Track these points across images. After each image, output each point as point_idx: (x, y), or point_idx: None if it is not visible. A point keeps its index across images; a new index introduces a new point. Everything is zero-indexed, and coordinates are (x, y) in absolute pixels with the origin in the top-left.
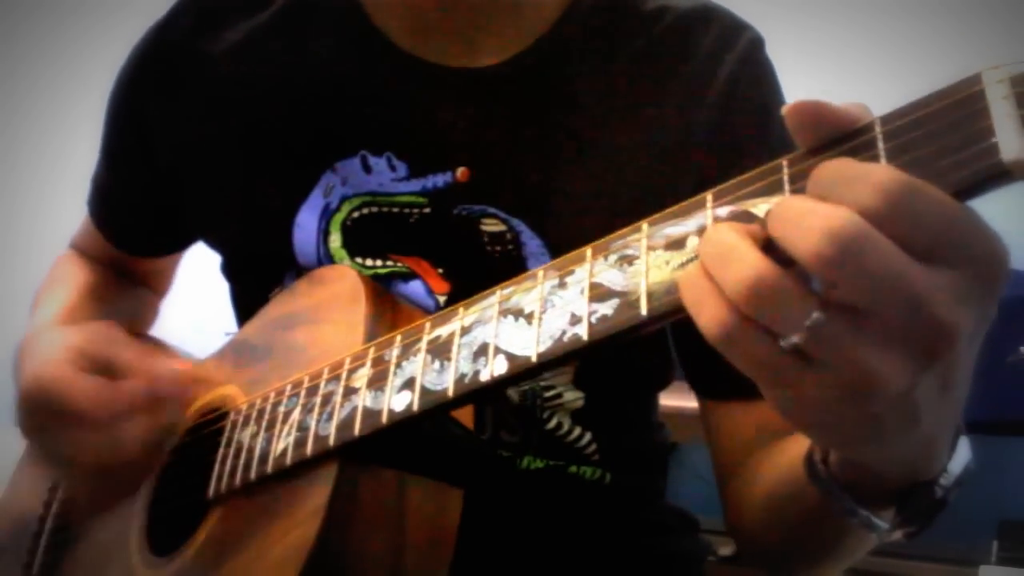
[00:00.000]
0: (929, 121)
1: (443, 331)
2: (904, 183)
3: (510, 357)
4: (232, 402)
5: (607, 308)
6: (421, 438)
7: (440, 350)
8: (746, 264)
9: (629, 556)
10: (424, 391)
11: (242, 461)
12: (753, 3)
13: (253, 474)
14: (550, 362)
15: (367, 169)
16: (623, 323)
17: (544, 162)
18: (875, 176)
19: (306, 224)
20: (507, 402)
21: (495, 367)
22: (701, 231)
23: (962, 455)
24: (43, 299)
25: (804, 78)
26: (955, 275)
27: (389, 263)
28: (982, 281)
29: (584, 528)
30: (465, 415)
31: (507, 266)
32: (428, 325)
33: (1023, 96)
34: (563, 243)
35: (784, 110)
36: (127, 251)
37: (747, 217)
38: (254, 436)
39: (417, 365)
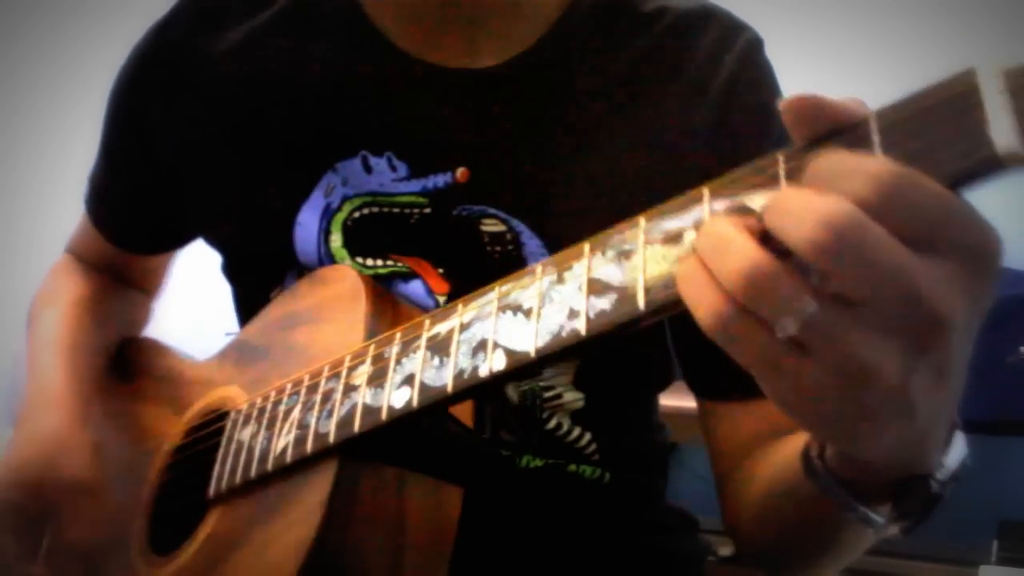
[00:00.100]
0: (924, 115)
1: (442, 328)
2: (900, 174)
3: (509, 352)
4: (234, 402)
5: (605, 303)
6: (421, 436)
7: (439, 346)
8: (742, 254)
9: (629, 556)
10: (423, 387)
11: (242, 460)
12: (753, 3)
13: (253, 472)
14: (549, 357)
15: (368, 169)
16: (621, 317)
17: (544, 163)
18: (871, 168)
19: (307, 224)
20: (507, 402)
21: (494, 362)
22: (698, 225)
23: (958, 450)
24: (37, 328)
25: (803, 78)
26: (950, 265)
27: (389, 263)
28: (977, 272)
29: (584, 527)
30: (465, 415)
31: (507, 266)
32: (428, 322)
33: (1016, 89)
34: (563, 243)
35: (781, 104)
36: (126, 249)
37: (743, 210)
38: (254, 435)
39: (417, 362)
